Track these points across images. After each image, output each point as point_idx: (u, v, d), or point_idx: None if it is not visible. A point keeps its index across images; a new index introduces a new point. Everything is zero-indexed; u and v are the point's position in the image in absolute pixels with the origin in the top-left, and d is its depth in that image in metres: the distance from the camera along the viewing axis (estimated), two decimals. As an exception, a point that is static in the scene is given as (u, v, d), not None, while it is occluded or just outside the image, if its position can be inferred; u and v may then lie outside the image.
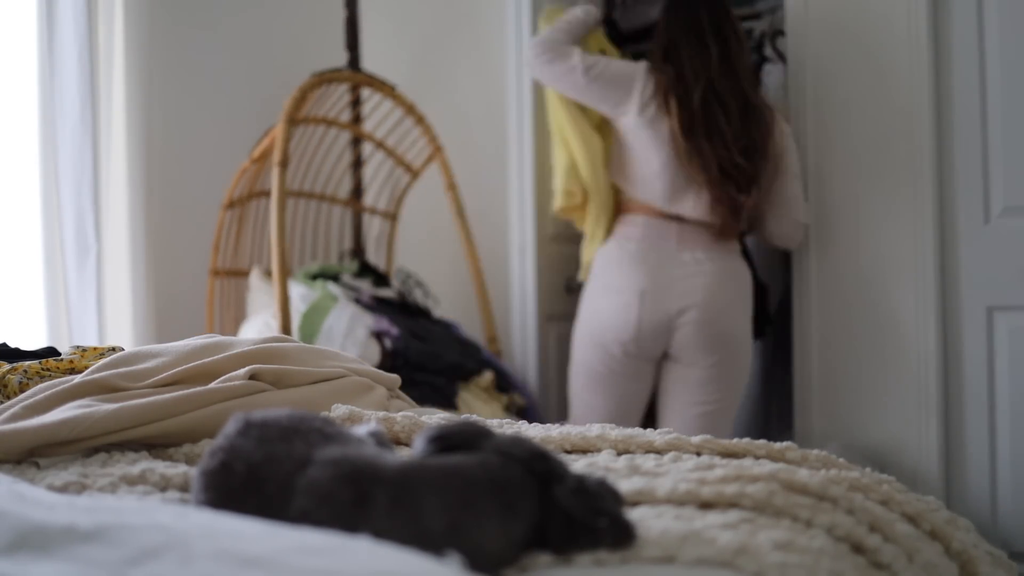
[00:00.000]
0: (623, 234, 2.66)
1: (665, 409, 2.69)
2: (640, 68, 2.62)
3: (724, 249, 2.63)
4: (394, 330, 2.77)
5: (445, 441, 0.93)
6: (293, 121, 2.87)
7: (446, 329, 3.02)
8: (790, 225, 2.68)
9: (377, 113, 3.42)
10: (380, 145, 3.40)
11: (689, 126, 2.51)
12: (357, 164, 3.50)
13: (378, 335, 2.76)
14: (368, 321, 2.81)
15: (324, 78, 3.02)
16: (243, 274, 3.26)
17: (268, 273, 3.23)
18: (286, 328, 2.67)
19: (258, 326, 2.92)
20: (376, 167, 3.56)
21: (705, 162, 2.51)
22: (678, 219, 2.61)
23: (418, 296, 3.21)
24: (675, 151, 2.54)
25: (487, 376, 2.82)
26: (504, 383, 2.93)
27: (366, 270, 3.26)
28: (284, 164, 2.78)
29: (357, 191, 3.52)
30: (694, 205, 2.58)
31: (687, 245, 2.59)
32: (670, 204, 2.60)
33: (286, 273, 2.73)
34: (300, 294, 3.01)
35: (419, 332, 2.87)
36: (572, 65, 2.61)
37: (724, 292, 2.58)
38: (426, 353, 2.75)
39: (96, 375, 1.38)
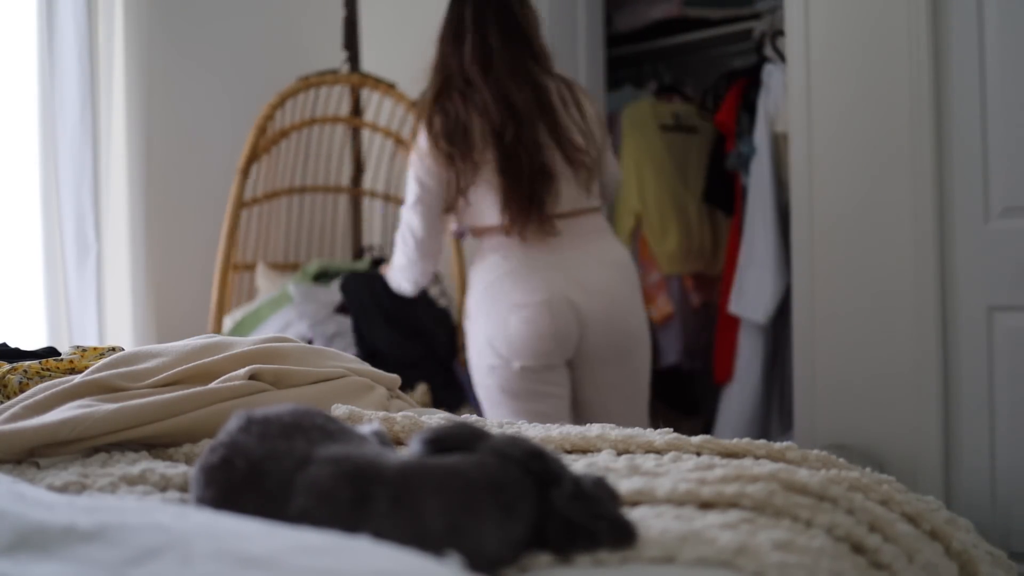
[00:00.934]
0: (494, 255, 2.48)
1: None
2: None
3: (589, 234, 2.48)
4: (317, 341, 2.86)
5: (441, 443, 0.93)
6: (262, 129, 2.87)
7: (427, 335, 3.03)
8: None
9: (381, 112, 3.42)
10: (388, 134, 3.38)
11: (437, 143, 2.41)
12: (357, 157, 3.50)
13: (308, 342, 2.83)
14: (302, 328, 2.89)
15: (310, 82, 3.01)
16: (248, 268, 3.27)
17: (272, 266, 3.25)
18: (217, 332, 2.71)
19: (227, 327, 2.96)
20: (380, 158, 3.56)
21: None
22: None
23: (434, 294, 3.22)
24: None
25: (420, 389, 2.84)
26: (454, 397, 2.96)
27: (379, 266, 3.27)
28: (245, 172, 2.80)
29: (357, 179, 3.52)
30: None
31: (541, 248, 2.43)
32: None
33: (228, 276, 2.75)
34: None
35: (388, 337, 2.89)
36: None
37: (617, 285, 2.47)
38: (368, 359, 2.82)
39: (96, 375, 1.38)
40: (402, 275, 2.60)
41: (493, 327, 2.42)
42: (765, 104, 3.14)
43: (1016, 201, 2.52)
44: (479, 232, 2.54)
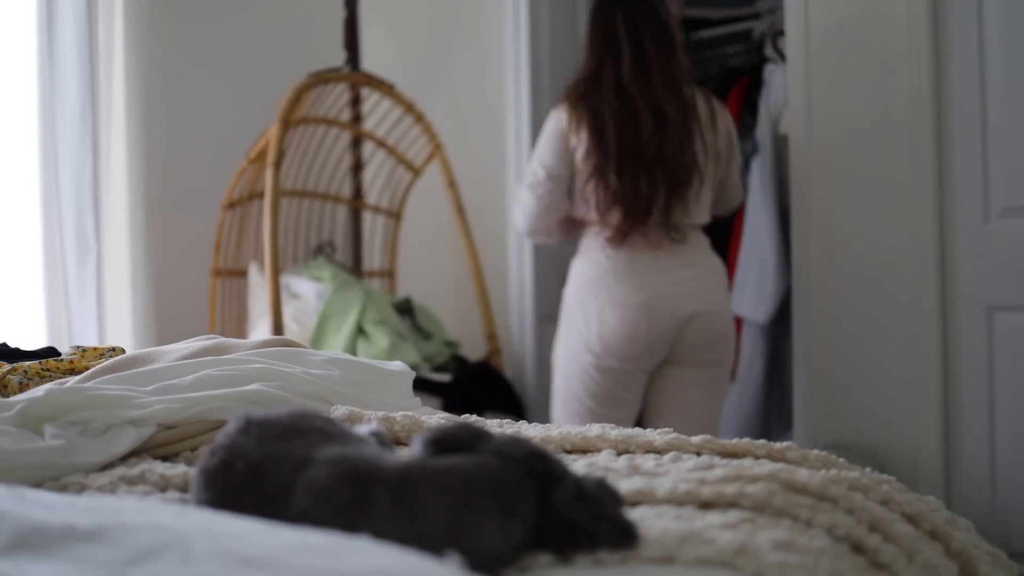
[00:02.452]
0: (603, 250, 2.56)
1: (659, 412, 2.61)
2: (560, 116, 2.55)
3: (694, 249, 2.56)
4: None
5: (443, 443, 0.93)
6: (287, 122, 2.88)
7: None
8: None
9: (377, 112, 3.42)
10: (381, 144, 3.40)
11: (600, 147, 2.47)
12: (357, 164, 3.51)
13: None
14: None
15: (320, 78, 3.02)
16: (244, 274, 3.27)
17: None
18: (278, 328, 2.69)
19: (266, 330, 2.94)
20: (377, 168, 3.57)
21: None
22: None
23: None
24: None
25: None
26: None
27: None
28: (278, 164, 2.78)
29: (358, 190, 3.53)
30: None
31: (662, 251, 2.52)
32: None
33: (278, 273, 2.73)
34: (315, 291, 3.03)
35: None
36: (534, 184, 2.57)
37: (716, 292, 2.55)
38: None
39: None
40: (522, 217, 2.62)
41: (589, 324, 2.49)
42: (767, 103, 3.14)
43: (1016, 201, 2.52)
44: (582, 226, 2.59)
